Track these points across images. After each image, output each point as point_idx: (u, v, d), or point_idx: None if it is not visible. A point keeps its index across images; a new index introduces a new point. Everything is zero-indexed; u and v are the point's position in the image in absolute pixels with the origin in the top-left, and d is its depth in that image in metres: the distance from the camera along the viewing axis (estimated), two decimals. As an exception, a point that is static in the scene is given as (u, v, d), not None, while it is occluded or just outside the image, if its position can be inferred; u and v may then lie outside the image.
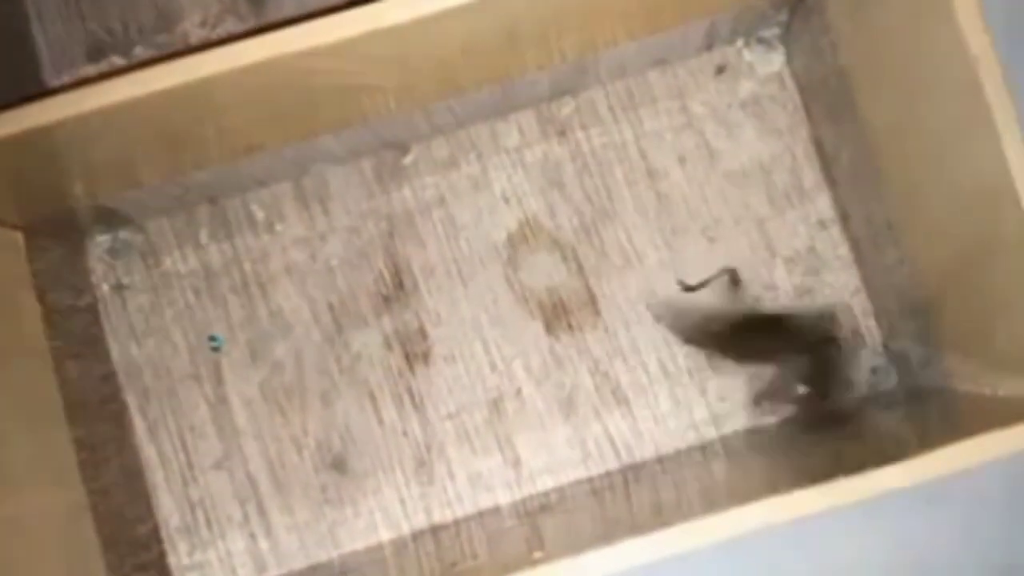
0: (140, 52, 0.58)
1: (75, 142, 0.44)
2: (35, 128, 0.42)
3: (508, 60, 0.50)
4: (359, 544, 0.55)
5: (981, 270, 0.44)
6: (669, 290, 0.56)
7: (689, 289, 0.55)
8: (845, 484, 0.37)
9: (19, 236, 0.51)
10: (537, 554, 0.39)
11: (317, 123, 0.51)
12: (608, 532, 0.43)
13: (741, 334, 0.55)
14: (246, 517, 0.55)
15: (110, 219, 0.55)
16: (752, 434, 0.54)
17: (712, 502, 0.42)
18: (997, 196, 0.40)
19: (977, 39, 0.39)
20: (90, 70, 0.58)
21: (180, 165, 0.51)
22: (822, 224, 0.56)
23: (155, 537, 0.55)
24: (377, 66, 0.45)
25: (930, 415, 0.48)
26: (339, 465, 0.55)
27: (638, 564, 0.37)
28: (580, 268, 0.56)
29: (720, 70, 0.57)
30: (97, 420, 0.53)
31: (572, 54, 0.51)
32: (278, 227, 0.57)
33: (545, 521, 0.51)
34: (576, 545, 0.39)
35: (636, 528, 0.39)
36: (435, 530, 0.54)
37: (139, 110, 0.42)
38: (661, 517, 0.42)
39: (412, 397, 0.56)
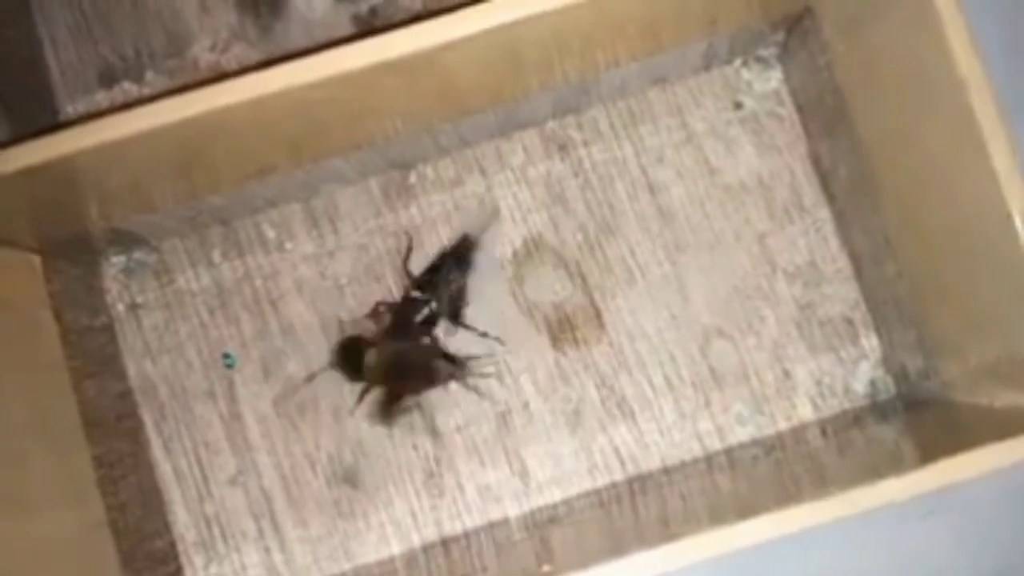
0: (151, 77, 0.59)
1: (90, 171, 0.45)
2: (51, 160, 0.43)
3: (512, 83, 0.51)
4: (371, 557, 0.56)
5: (976, 283, 0.45)
6: (673, 306, 0.57)
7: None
8: (847, 496, 0.38)
9: (36, 259, 0.53)
10: (546, 567, 0.41)
11: (326, 147, 0.52)
12: (616, 544, 0.44)
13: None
14: (260, 531, 0.56)
15: (124, 241, 0.56)
16: (755, 445, 0.55)
17: (717, 514, 0.43)
18: (989, 211, 0.41)
19: (966, 59, 0.40)
20: (102, 95, 0.59)
21: (193, 190, 0.52)
22: (822, 238, 0.57)
23: (172, 552, 0.56)
24: (384, 94, 0.46)
25: (929, 426, 0.49)
26: (351, 479, 0.56)
27: (645, 576, 0.38)
28: (584, 283, 0.57)
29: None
30: (114, 437, 0.54)
31: (575, 75, 0.52)
32: (288, 245, 0.58)
33: (553, 533, 0.52)
34: (584, 557, 0.40)
35: (643, 539, 0.40)
36: (445, 542, 0.55)
37: (153, 140, 0.43)
38: (668, 529, 0.43)
39: (421, 411, 0.57)
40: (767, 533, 0.37)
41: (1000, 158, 0.40)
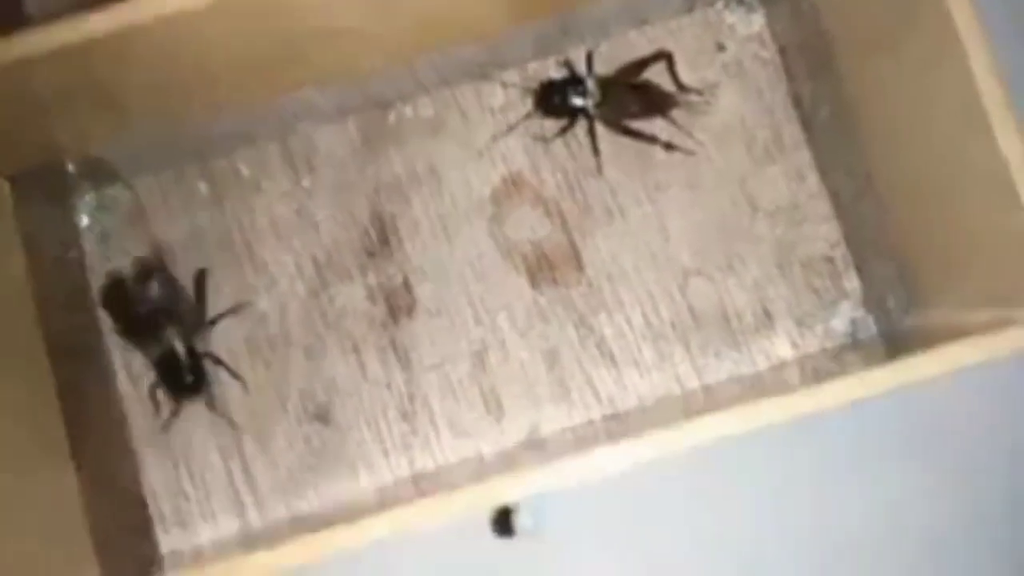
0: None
1: (54, 78, 0.44)
2: (14, 61, 0.42)
3: (490, 11, 0.51)
4: (343, 495, 0.55)
5: (956, 212, 0.45)
6: (652, 245, 0.56)
7: None
8: (809, 392, 0.37)
9: (5, 184, 0.52)
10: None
11: (301, 73, 0.51)
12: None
13: None
14: (229, 470, 0.55)
15: (98, 174, 0.56)
16: (734, 383, 0.54)
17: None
18: (973, 134, 0.41)
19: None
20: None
21: (164, 110, 0.51)
22: (802, 178, 0.56)
23: (138, 493, 0.55)
24: (358, 7, 0.46)
25: (908, 351, 0.48)
26: (323, 416, 0.55)
27: (619, 469, 0.38)
28: (564, 223, 0.57)
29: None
30: (79, 369, 0.53)
31: (554, 8, 0.52)
32: (264, 184, 0.57)
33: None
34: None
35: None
36: (417, 479, 0.54)
37: (118, 46, 0.42)
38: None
39: (396, 350, 0.56)
40: (731, 428, 0.37)
41: (984, 78, 0.40)
